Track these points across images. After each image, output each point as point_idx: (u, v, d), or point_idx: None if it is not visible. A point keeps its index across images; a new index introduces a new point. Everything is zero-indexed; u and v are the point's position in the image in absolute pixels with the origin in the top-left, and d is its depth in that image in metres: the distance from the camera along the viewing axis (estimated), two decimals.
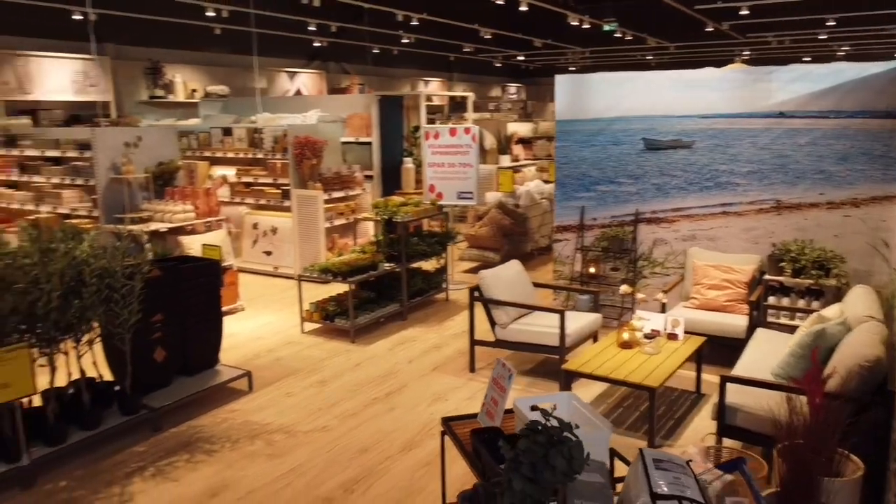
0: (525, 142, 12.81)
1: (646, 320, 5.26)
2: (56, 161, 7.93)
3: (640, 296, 5.80)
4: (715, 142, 6.42)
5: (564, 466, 1.79)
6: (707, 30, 14.66)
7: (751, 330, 5.37)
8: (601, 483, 2.12)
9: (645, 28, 15.83)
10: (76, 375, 4.61)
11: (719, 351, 5.49)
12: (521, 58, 21.00)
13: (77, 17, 10.66)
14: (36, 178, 8.07)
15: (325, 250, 8.56)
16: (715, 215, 6.45)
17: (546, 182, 10.91)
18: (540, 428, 1.90)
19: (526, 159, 12.46)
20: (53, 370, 4.37)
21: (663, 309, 5.75)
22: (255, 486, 4.10)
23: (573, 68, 22.52)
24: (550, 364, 5.74)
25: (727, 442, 4.06)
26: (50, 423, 4.31)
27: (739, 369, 4.49)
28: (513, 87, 24.50)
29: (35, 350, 4.17)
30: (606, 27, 14.43)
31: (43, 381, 4.25)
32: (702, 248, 6.28)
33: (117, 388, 4.82)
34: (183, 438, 4.71)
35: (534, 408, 2.37)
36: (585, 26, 13.89)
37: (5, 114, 10.65)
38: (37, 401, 4.40)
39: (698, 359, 5.26)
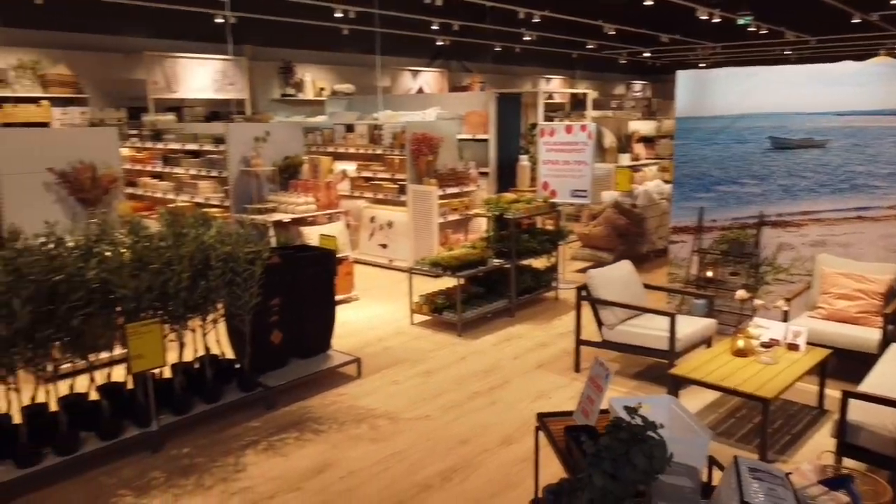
0: (647, 140, 12.43)
1: (764, 328, 4.97)
2: (195, 154, 8.56)
3: (757, 302, 5.49)
4: (852, 141, 5.96)
5: (645, 465, 1.75)
6: (853, 21, 13.59)
7: (884, 344, 4.95)
8: (690, 488, 2.05)
9: (783, 21, 14.91)
10: (201, 352, 4.97)
11: (847, 365, 5.10)
12: (647, 54, 20.37)
13: (219, 20, 11.45)
14: (177, 170, 8.75)
15: (437, 245, 8.71)
16: (849, 220, 6.00)
17: (667, 182, 10.53)
18: (623, 425, 1.86)
19: (647, 158, 12.10)
20: (182, 346, 4.74)
21: (786, 318, 5.42)
22: (357, 468, 4.26)
23: (703, 65, 21.57)
24: (659, 368, 5.56)
25: (849, 463, 3.78)
26: (177, 394, 4.68)
27: (867, 385, 4.16)
28: (637, 85, 23.82)
29: (166, 326, 4.54)
30: (740, 20, 13.72)
31: (172, 356, 4.61)
32: (832, 255, 5.85)
33: (237, 366, 5.16)
34: (294, 417, 4.96)
35: (627, 407, 2.33)
36: (716, 20, 13.27)
37: (154, 111, 11.62)
38: (166, 373, 4.78)
39: (822, 372, 4.93)
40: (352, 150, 9.94)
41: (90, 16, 11.35)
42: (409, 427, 4.80)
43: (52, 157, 5.70)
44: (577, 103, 15.22)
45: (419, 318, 7.05)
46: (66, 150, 5.79)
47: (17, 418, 4.19)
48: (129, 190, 8.85)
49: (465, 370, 5.84)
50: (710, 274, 6.57)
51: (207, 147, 8.14)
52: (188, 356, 4.93)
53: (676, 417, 2.90)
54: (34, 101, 10.59)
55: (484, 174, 10.17)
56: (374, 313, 7.43)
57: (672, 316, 5.16)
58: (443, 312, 6.83)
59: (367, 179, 9.74)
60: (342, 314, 6.48)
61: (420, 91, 16.69)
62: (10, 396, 4.06)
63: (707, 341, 5.58)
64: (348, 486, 4.07)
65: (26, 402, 4.21)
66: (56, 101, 10.74)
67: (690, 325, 5.45)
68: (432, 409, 5.09)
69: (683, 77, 6.73)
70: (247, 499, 3.93)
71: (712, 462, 2.85)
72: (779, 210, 6.30)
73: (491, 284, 7.29)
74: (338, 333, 5.96)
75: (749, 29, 14.54)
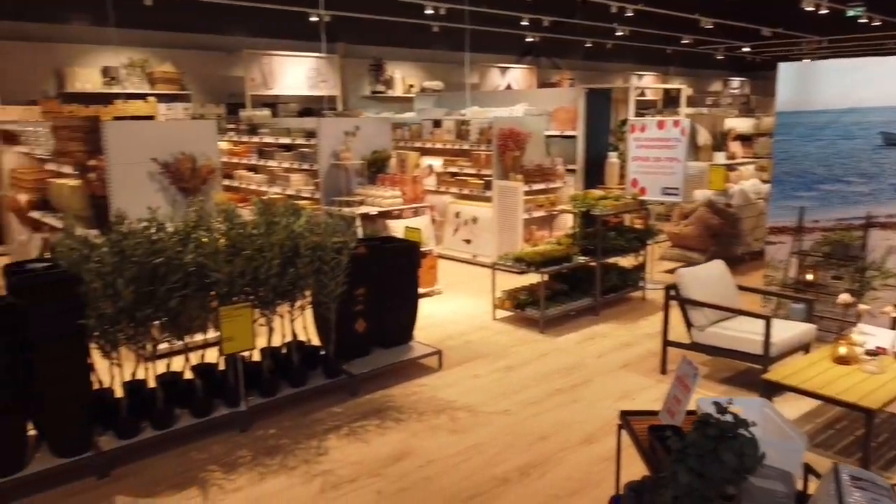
0: (745, 139, 11.92)
1: (870, 336, 4.66)
2: (287, 148, 8.83)
3: (862, 307, 5.15)
4: None
5: (734, 463, 1.66)
6: None
7: None
8: (783, 493, 1.94)
9: None
10: (289, 337, 5.12)
11: None
12: (747, 49, 19.53)
13: (314, 18, 11.78)
14: (270, 163, 9.05)
15: (522, 241, 8.65)
16: None
17: (764, 182, 10.06)
18: (711, 421, 1.78)
19: (744, 157, 11.59)
20: (270, 331, 4.90)
21: (895, 325, 5.06)
22: (435, 457, 4.28)
23: (807, 60, 20.47)
24: (751, 374, 5.32)
25: None
26: (265, 377, 4.84)
27: None
28: (735, 81, 22.88)
29: (256, 311, 4.69)
30: (850, 12, 12.94)
31: (261, 341, 4.77)
32: None
33: (322, 352, 5.28)
34: (375, 405, 5.04)
35: (717, 403, 2.23)
36: (823, 12, 12.56)
37: (251, 106, 12.08)
38: (255, 356, 4.95)
39: None
40: (438, 146, 10.00)
41: (195, 16, 11.93)
42: (489, 421, 4.78)
43: (156, 149, 6.00)
44: (670, 100, 14.76)
45: (501, 313, 7.02)
46: (169, 142, 6.09)
47: (118, 392, 4.43)
48: (226, 182, 9.22)
49: (547, 367, 5.76)
50: (810, 277, 6.22)
51: (300, 141, 8.39)
52: (276, 341, 5.08)
53: (769, 421, 2.76)
54: (142, 97, 11.22)
55: (571, 171, 10.03)
56: (456, 307, 7.45)
57: (767, 319, 4.92)
58: (525, 309, 6.77)
59: (453, 175, 9.77)
60: (425, 307, 6.52)
61: (508, 87, 16.62)
62: (113, 371, 4.31)
63: (805, 347, 5.29)
64: (427, 474, 4.09)
65: (127, 377, 4.45)
66: (161, 97, 11.34)
67: (787, 330, 5.18)
68: (512, 404, 5.05)
69: (786, 69, 6.40)
70: (328, 481, 4.02)
71: (808, 470, 2.70)
72: (889, 211, 5.90)
73: (575, 282, 7.17)
74: (420, 325, 6.01)
75: (860, 21, 13.68)
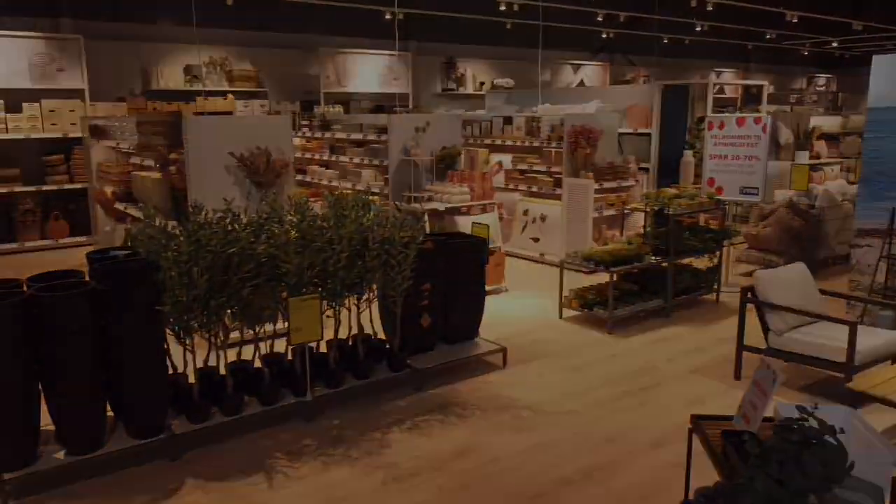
0: (830, 138, 11.36)
1: None
2: (359, 144, 8.94)
3: None
4: None
5: (819, 472, 1.55)
6: None
7: None
8: None
9: None
10: (355, 330, 5.16)
11: None
12: (835, 44, 18.61)
13: (387, 17, 11.89)
14: (342, 159, 9.18)
15: (591, 240, 8.48)
16: None
17: (851, 183, 9.56)
18: (794, 426, 1.67)
19: (829, 157, 11.05)
20: (337, 323, 4.95)
21: None
22: (499, 455, 4.24)
23: None
24: (833, 383, 5.04)
25: None
26: (331, 368, 4.89)
27: None
28: (821, 79, 21.84)
29: (324, 302, 4.75)
30: None
31: (328, 333, 4.82)
32: None
33: (387, 346, 5.30)
34: (439, 400, 5.03)
35: (800, 407, 2.11)
36: None
37: (325, 103, 12.30)
38: (322, 347, 5.01)
39: None
40: (509, 143, 9.92)
41: (272, 15, 12.22)
42: (554, 420, 4.70)
43: (233, 144, 6.15)
44: (750, 98, 14.20)
45: (568, 312, 6.89)
46: (246, 138, 6.23)
47: (191, 378, 4.56)
48: (299, 177, 9.41)
49: (615, 369, 5.63)
50: None
51: (371, 137, 8.47)
52: (343, 334, 5.13)
53: (855, 430, 2.58)
54: (221, 94, 11.57)
55: (644, 169, 9.79)
56: (522, 305, 7.37)
57: (853, 325, 4.65)
58: (593, 308, 6.63)
59: (523, 172, 9.68)
60: (491, 304, 6.46)
61: (581, 84, 16.38)
62: (186, 358, 4.44)
63: (894, 357, 4.98)
64: (489, 472, 4.05)
65: (200, 364, 4.57)
66: (239, 95, 11.67)
67: (874, 338, 4.89)
68: (578, 404, 4.95)
69: (880, 62, 6.05)
70: (391, 474, 4.03)
71: None
72: None
73: (646, 283, 6.98)
74: (485, 322, 5.96)
75: None
